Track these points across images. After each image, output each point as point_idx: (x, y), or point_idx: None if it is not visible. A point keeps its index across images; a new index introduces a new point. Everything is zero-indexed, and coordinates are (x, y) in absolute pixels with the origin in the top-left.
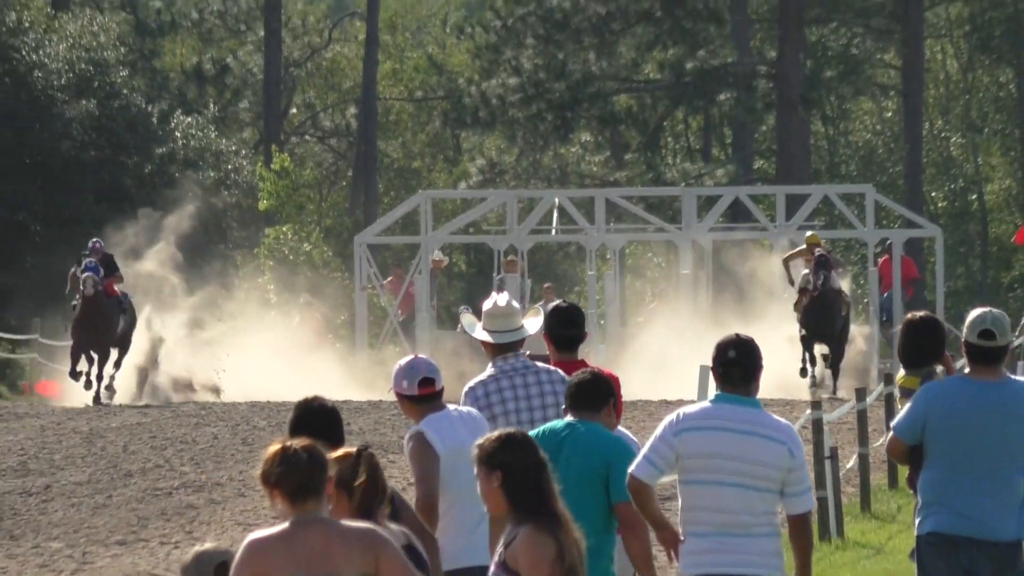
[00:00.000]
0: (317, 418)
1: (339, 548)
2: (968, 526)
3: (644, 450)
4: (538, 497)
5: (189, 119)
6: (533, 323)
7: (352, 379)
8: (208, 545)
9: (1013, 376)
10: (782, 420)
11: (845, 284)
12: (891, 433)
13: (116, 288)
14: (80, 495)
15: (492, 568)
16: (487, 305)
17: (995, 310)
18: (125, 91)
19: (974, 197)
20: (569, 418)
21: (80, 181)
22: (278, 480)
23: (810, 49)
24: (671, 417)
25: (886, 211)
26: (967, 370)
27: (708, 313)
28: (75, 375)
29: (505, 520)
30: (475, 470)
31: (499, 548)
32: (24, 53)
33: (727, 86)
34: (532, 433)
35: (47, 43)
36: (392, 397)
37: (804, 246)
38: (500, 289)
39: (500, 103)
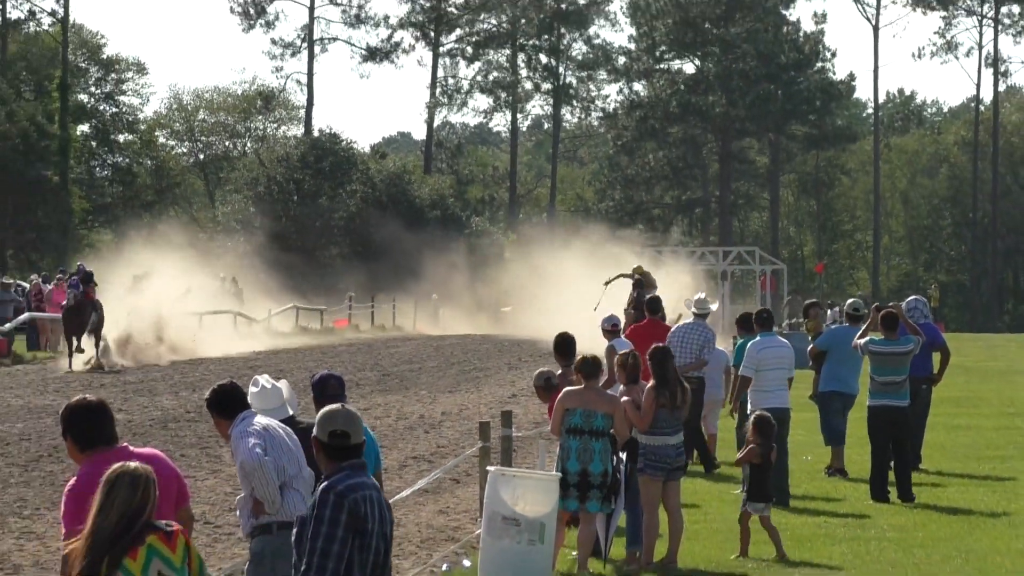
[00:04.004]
0: (564, 342)
1: (600, 400)
2: (845, 387)
3: (744, 362)
4: (667, 371)
5: (477, 219)
6: (713, 306)
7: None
8: (542, 369)
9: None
10: (785, 340)
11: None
12: (811, 346)
13: (94, 295)
14: (434, 371)
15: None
16: (697, 296)
17: (858, 300)
18: (452, 205)
19: (799, 252)
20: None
21: (429, 247)
22: (579, 370)
23: (733, 191)
24: (752, 343)
25: (763, 258)
26: (845, 323)
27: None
28: (70, 345)
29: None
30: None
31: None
32: (410, 189)
33: (699, 206)
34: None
35: (420, 185)
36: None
37: (630, 272)
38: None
39: (605, 214)
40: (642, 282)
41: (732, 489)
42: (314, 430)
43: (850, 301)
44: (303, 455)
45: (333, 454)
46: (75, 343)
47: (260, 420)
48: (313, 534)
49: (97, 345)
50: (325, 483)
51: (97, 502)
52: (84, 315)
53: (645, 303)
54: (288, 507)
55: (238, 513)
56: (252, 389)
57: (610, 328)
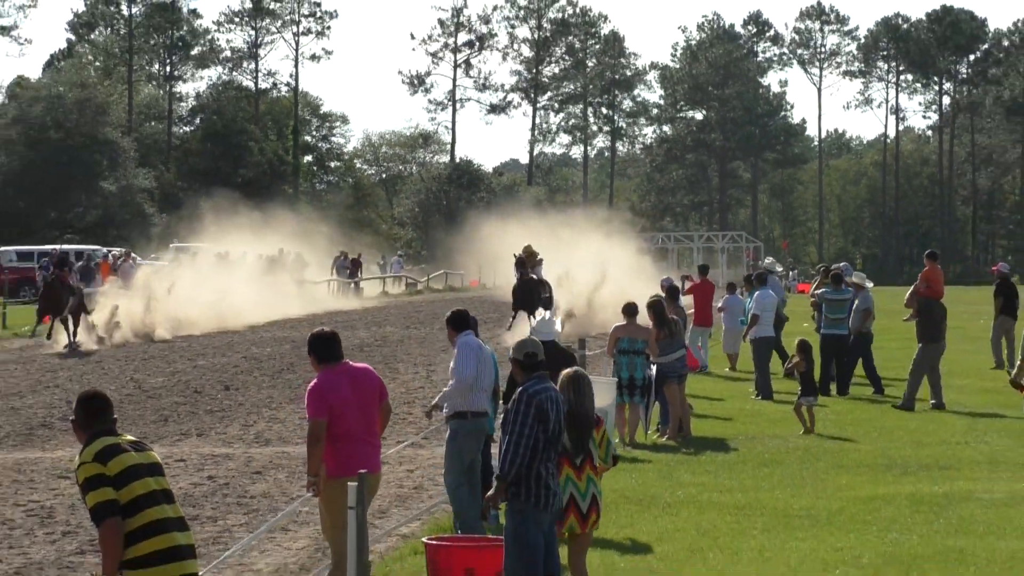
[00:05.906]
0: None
1: (639, 330)
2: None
3: (754, 305)
4: (663, 314)
5: (561, 216)
6: (779, 268)
7: None
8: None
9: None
10: (771, 291)
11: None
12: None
13: (68, 278)
14: None
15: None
16: (767, 259)
17: (846, 264)
18: (545, 207)
19: (771, 235)
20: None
21: (530, 235)
22: (624, 311)
23: (728, 196)
24: (758, 292)
25: (748, 239)
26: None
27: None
28: (65, 325)
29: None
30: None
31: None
32: (518, 197)
33: (705, 206)
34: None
35: (525, 194)
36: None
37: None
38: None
39: (645, 211)
40: (523, 261)
41: (746, 388)
42: (510, 352)
43: (836, 265)
44: (496, 370)
45: (526, 368)
46: (54, 322)
47: (475, 339)
48: (513, 420)
49: (76, 321)
50: (520, 387)
51: (572, 392)
52: (61, 296)
53: (697, 268)
54: (475, 402)
55: (440, 399)
56: (538, 316)
57: (669, 287)
